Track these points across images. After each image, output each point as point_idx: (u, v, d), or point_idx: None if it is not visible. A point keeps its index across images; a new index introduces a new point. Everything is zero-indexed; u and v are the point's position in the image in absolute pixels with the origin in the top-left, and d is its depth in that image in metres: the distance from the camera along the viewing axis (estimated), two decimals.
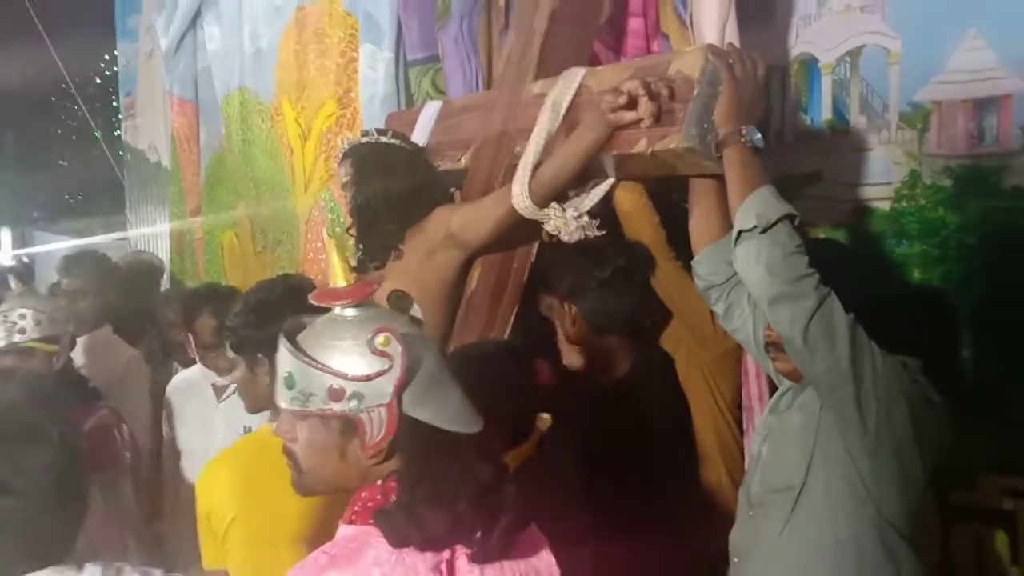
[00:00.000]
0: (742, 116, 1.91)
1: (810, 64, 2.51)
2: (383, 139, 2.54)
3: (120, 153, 6.76)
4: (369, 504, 1.34)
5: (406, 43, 3.41)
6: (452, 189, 2.68)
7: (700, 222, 2.11)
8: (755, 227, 1.74)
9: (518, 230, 2.34)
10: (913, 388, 1.76)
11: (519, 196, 2.22)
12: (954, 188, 2.22)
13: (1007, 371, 2.14)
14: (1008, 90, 2.14)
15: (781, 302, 1.71)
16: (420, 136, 2.79)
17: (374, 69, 3.52)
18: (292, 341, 1.37)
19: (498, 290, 2.41)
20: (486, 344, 2.23)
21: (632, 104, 2.05)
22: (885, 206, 2.34)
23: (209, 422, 3.07)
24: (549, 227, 2.26)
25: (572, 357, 2.33)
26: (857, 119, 2.41)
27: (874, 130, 2.38)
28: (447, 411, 1.35)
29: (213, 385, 3.12)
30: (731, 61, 1.96)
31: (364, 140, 2.56)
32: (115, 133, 8.25)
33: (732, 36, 2.19)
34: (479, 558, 1.32)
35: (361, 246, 2.55)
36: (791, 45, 2.54)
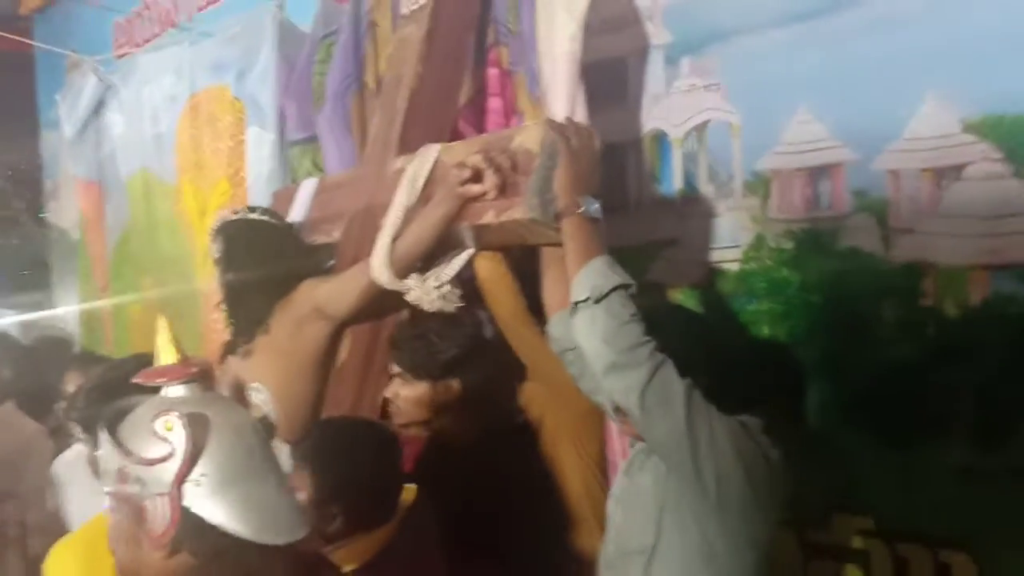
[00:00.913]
0: (578, 187, 1.80)
1: (661, 139, 2.46)
2: (252, 216, 2.39)
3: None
4: None
5: (287, 125, 3.30)
6: (330, 262, 2.54)
7: (551, 289, 1.99)
8: (588, 298, 1.62)
9: (384, 300, 2.19)
10: (751, 448, 1.65)
11: (378, 268, 2.08)
12: (796, 249, 2.18)
13: (852, 418, 2.07)
14: (838, 159, 2.10)
15: (615, 371, 1.59)
16: (298, 211, 2.66)
17: (260, 149, 3.43)
18: (110, 420, 1.23)
19: (368, 360, 2.27)
20: (348, 421, 2.07)
21: (478, 177, 1.95)
22: (735, 267, 2.30)
23: (92, 497, 2.81)
24: (410, 298, 2.12)
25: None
26: (706, 188, 2.37)
27: (721, 197, 2.33)
28: (248, 514, 1.16)
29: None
30: (568, 134, 1.86)
31: (234, 217, 2.41)
32: None
33: (580, 112, 2.11)
34: None
35: (232, 320, 2.38)
36: (643, 122, 2.50)
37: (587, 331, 1.62)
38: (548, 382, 2.19)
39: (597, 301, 1.61)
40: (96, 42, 4.80)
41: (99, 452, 1.22)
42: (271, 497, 1.19)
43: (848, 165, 2.08)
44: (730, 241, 2.31)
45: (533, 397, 2.26)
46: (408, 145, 2.31)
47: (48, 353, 4.18)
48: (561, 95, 2.08)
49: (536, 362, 2.18)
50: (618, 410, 1.74)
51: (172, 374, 1.23)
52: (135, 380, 1.26)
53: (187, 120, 4.06)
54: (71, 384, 2.82)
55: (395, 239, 2.10)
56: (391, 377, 2.23)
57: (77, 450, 3.02)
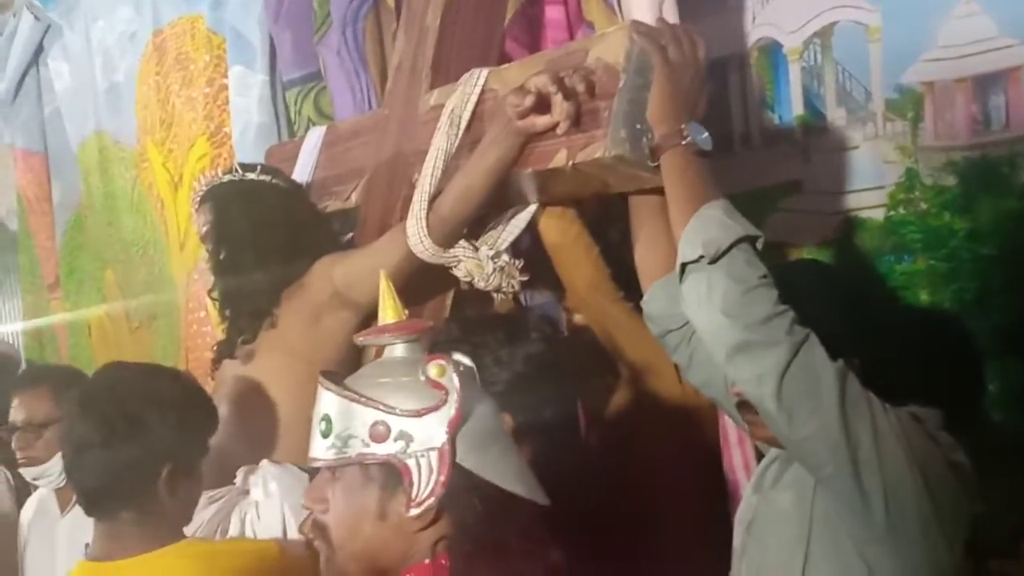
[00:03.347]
0: (681, 111, 1.75)
1: (773, 50, 2.42)
2: (249, 176, 2.40)
3: None
4: None
5: (280, 61, 3.30)
6: (348, 235, 2.52)
7: (647, 251, 1.95)
8: (702, 257, 1.57)
9: (424, 278, 2.18)
10: (930, 449, 1.60)
11: (415, 236, 2.06)
12: (960, 187, 2.12)
13: None
14: (1015, 62, 2.04)
15: (743, 353, 1.54)
16: (303, 171, 2.67)
17: (246, 96, 3.42)
18: (335, 382, 1.37)
19: None
20: None
21: (543, 105, 1.89)
22: (878, 215, 2.25)
23: (53, 541, 2.84)
24: (459, 272, 2.12)
25: None
26: (835, 112, 2.32)
27: (857, 124, 2.29)
28: (509, 470, 1.33)
29: (57, 492, 2.90)
30: (662, 41, 1.80)
31: (226, 179, 2.42)
32: None
33: (670, 16, 2.07)
34: None
35: (227, 313, 2.37)
36: (748, 29, 2.46)
37: (702, 301, 1.57)
38: (642, 373, 2.17)
39: (714, 261, 1.56)
40: None
41: (325, 417, 1.33)
42: (518, 456, 1.36)
43: None
44: (872, 181, 2.26)
45: (619, 398, 2.25)
46: (444, 74, 2.29)
47: None
48: None
49: (625, 347, 2.16)
50: (743, 406, 1.70)
51: (394, 331, 1.39)
52: (357, 338, 1.48)
53: (150, 64, 4.04)
54: (21, 410, 2.83)
55: (435, 197, 2.07)
56: None
57: (40, 498, 3.07)
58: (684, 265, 1.61)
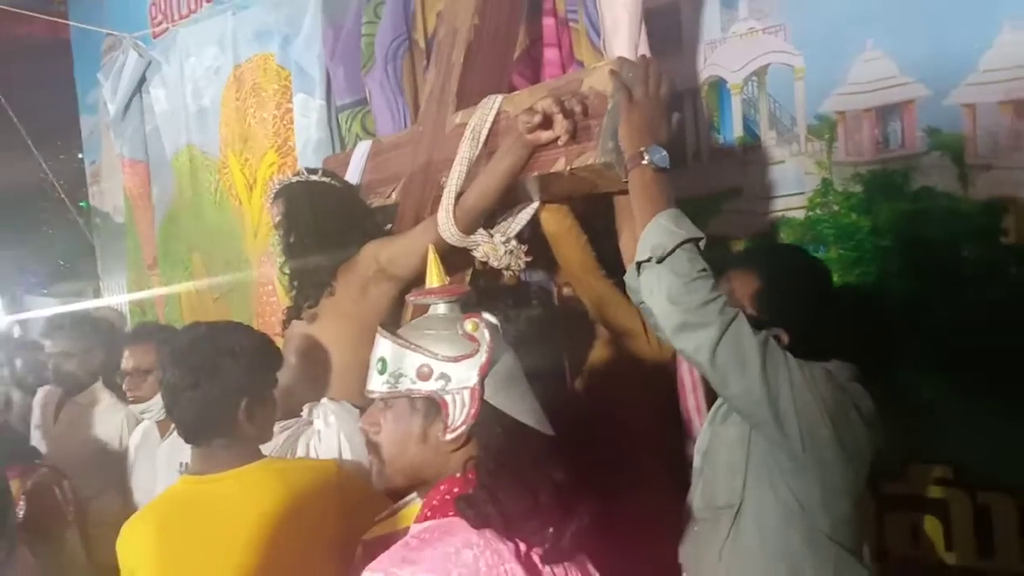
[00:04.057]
0: (644, 136, 1.69)
1: (719, 86, 2.40)
2: (313, 177, 2.37)
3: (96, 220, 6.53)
4: (447, 497, 1.28)
5: (334, 90, 3.25)
6: (387, 226, 2.51)
7: (629, 238, 1.93)
8: (651, 258, 1.55)
9: (449, 259, 2.14)
10: (839, 398, 1.59)
11: (444, 225, 2.05)
12: (865, 193, 2.12)
13: (929, 363, 2.01)
14: (908, 96, 2.04)
15: (684, 331, 1.53)
16: (353, 175, 2.63)
17: (307, 117, 3.37)
18: (391, 332, 1.36)
19: None
20: None
21: (547, 123, 1.88)
22: (800, 215, 2.24)
23: (154, 463, 2.83)
24: (478, 254, 2.10)
25: None
26: (767, 134, 2.31)
27: (784, 144, 2.27)
28: (525, 407, 1.33)
29: (158, 423, 2.89)
30: (637, 76, 1.76)
31: (295, 179, 2.39)
32: None
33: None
34: (550, 558, 1.24)
35: (295, 284, 2.35)
36: (700, 69, 2.43)
37: (652, 291, 1.56)
38: (618, 334, 2.15)
39: (660, 260, 1.54)
40: (132, 22, 4.76)
41: (381, 359, 1.32)
42: (533, 396, 1.35)
43: (920, 102, 2.01)
44: (795, 188, 2.24)
45: (599, 353, 2.24)
46: (466, 99, 2.26)
47: (107, 331, 4.20)
48: (623, 39, 2.02)
49: (607, 315, 2.14)
50: None
51: (439, 293, 1.38)
52: (409, 297, 1.49)
53: (231, 92, 4.01)
54: (131, 359, 2.83)
55: (460, 195, 2.06)
56: None
57: (144, 428, 3.05)
58: (639, 263, 1.60)
